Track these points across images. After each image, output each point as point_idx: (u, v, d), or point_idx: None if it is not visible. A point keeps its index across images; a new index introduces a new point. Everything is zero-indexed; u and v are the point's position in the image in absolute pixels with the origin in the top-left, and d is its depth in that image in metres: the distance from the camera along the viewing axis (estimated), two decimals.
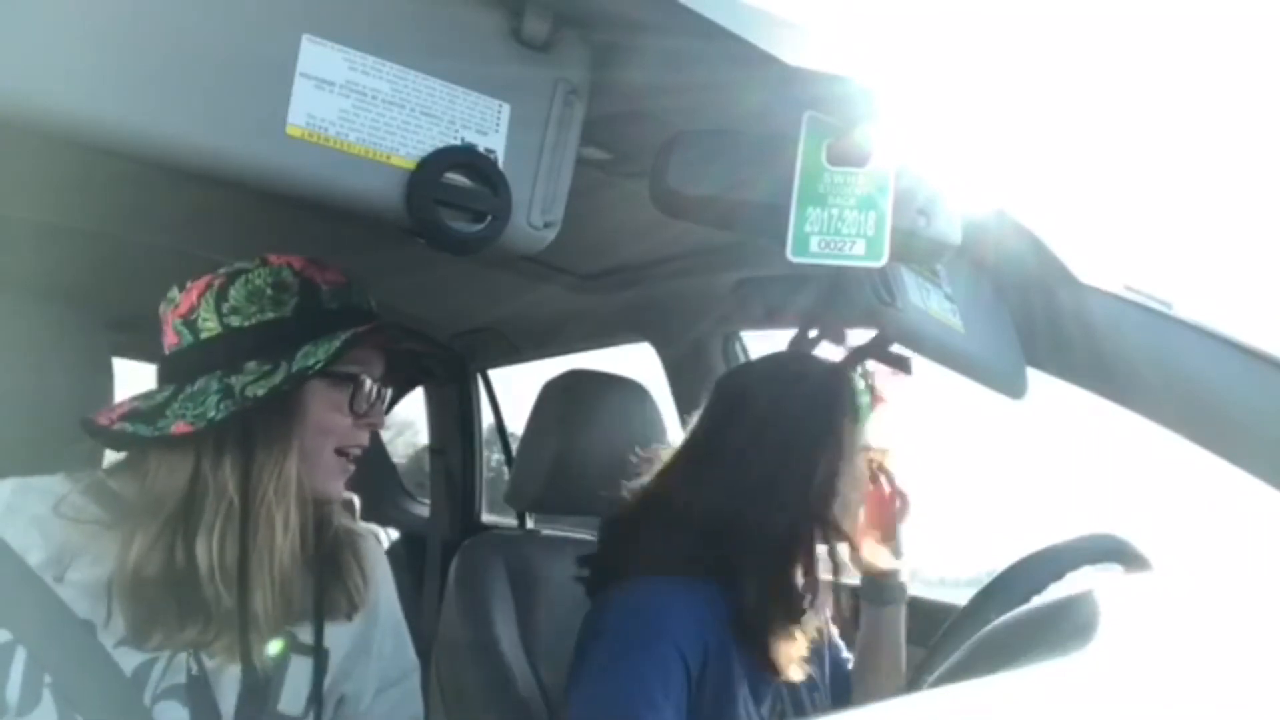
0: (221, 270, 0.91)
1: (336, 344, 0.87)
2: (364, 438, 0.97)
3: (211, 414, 0.84)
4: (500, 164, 0.72)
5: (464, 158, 0.70)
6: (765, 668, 1.07)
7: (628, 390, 1.54)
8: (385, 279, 1.90)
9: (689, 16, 0.69)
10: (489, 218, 0.71)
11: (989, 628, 0.62)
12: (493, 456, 2.57)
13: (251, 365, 0.87)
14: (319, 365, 0.85)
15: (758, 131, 0.80)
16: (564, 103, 0.74)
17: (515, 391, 2.45)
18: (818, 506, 1.09)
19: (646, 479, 1.22)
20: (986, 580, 1.05)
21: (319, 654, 0.94)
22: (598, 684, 1.02)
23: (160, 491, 0.86)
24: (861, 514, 1.19)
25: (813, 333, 1.26)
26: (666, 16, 0.70)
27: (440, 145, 0.69)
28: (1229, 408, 0.95)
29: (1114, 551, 1.01)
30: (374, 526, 2.44)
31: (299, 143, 0.64)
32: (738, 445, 1.12)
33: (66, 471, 0.89)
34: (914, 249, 0.84)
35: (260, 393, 0.85)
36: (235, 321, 0.89)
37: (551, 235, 0.75)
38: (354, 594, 0.97)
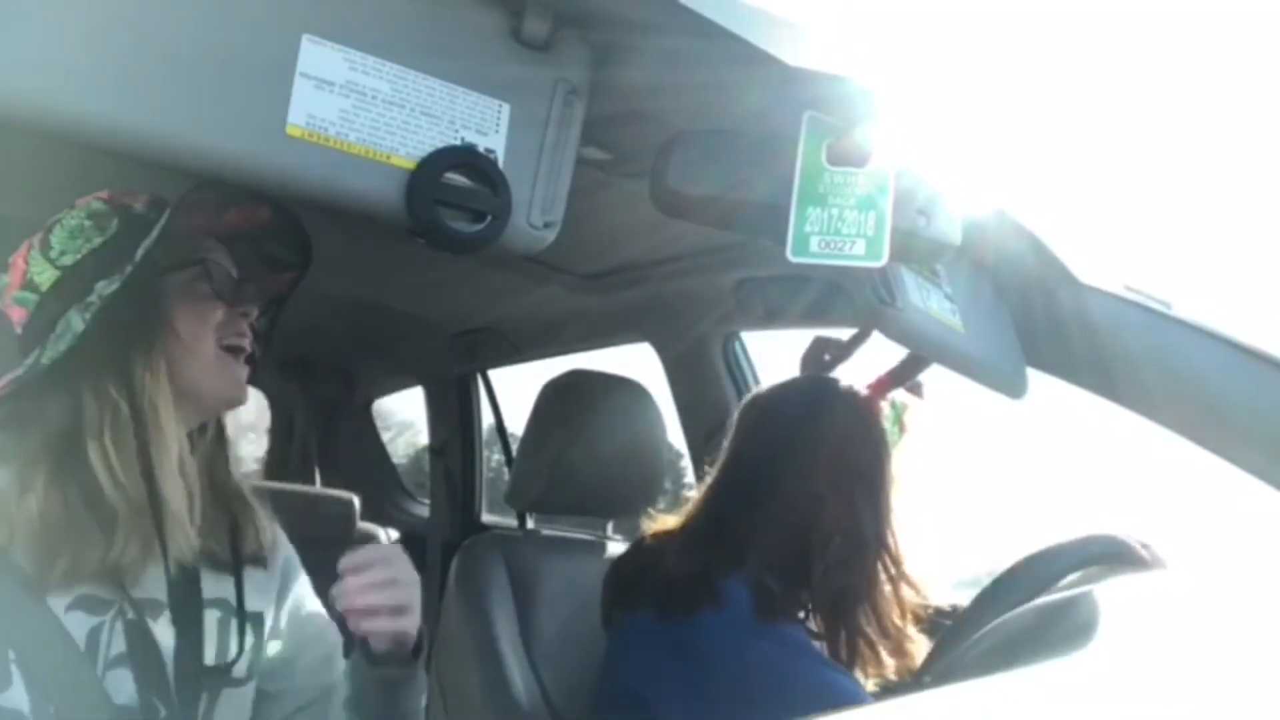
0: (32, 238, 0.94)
1: (164, 219, 0.87)
2: (243, 325, 0.97)
3: (79, 327, 0.85)
4: (500, 164, 0.72)
5: (464, 158, 0.70)
6: None
7: (628, 390, 1.54)
8: (385, 279, 1.90)
9: (689, 16, 0.69)
10: (489, 218, 0.71)
11: (989, 628, 0.62)
12: (493, 456, 2.57)
13: (100, 284, 0.88)
14: (153, 239, 0.85)
15: (758, 131, 0.80)
16: (564, 103, 0.74)
17: (515, 391, 2.45)
18: (891, 545, 1.11)
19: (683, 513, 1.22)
20: (987, 580, 1.05)
21: (240, 593, 0.96)
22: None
23: (50, 429, 0.88)
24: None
25: (826, 356, 1.25)
26: (666, 16, 0.70)
27: (440, 145, 0.69)
28: (1229, 408, 0.95)
29: (1114, 553, 1.01)
30: (374, 527, 2.45)
31: (299, 143, 0.64)
32: (784, 483, 1.13)
33: None
34: (914, 249, 0.84)
35: (113, 288, 0.85)
36: (68, 260, 0.90)
37: (551, 235, 0.75)
38: (260, 534, 1.00)
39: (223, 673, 0.93)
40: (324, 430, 2.85)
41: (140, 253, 0.86)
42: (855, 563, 1.11)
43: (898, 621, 1.11)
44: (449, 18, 0.70)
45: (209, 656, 0.92)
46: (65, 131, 0.60)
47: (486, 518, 2.49)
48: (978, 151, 0.88)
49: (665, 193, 0.80)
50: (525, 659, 1.38)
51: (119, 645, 0.87)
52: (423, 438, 2.80)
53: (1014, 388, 1.08)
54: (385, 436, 2.99)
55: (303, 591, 1.05)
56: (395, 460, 2.98)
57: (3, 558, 0.84)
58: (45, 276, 0.90)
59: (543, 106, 0.73)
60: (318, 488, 2.66)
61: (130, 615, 0.88)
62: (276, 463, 2.92)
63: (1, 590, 0.84)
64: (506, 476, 2.42)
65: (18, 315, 0.92)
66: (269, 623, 1.00)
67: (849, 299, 1.12)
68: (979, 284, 1.07)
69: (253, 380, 1.01)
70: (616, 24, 0.73)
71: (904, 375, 1.20)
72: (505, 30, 0.71)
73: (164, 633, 0.90)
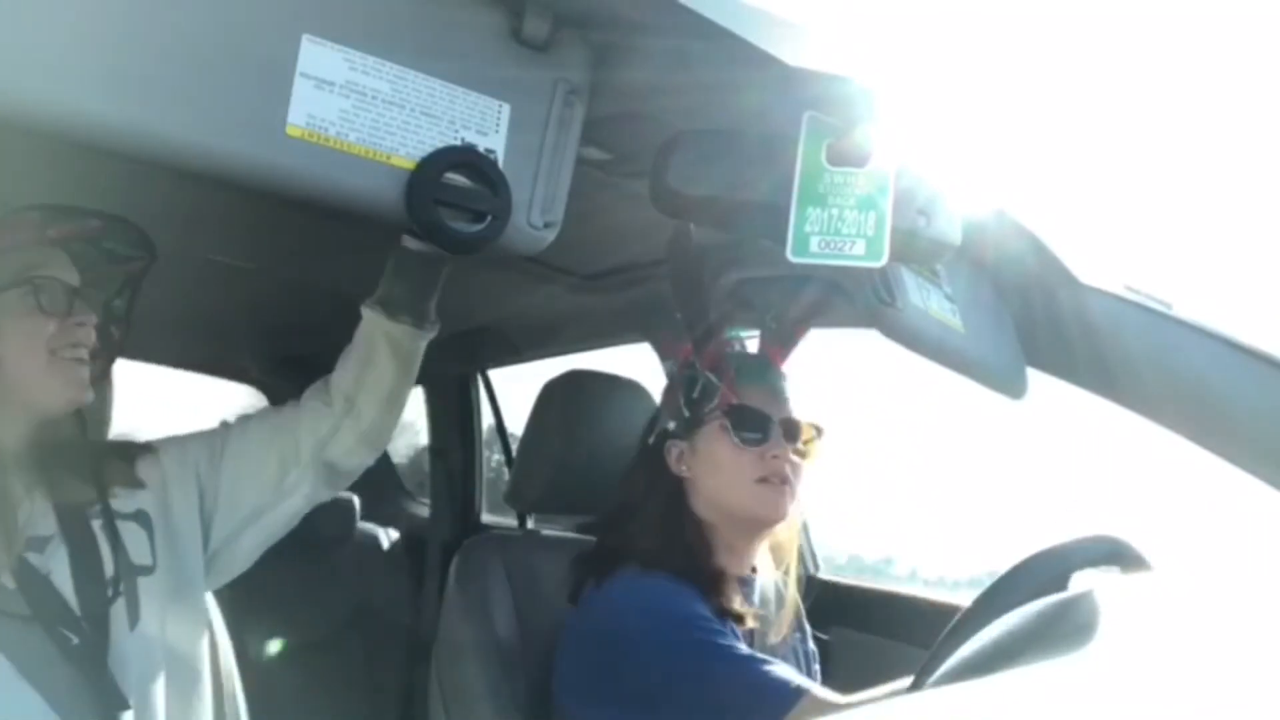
0: None
1: None
2: (79, 335, 1.00)
3: None
4: (500, 164, 0.72)
5: (464, 158, 0.70)
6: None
7: (628, 390, 1.54)
8: None
9: (689, 16, 0.69)
10: (489, 218, 0.71)
11: (989, 628, 0.62)
12: (493, 456, 2.57)
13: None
14: None
15: (758, 131, 0.80)
16: (564, 103, 0.74)
17: (515, 391, 2.45)
18: (689, 524, 1.19)
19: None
20: (986, 580, 1.05)
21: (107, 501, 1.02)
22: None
23: None
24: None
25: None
26: (666, 16, 0.70)
27: (440, 145, 0.69)
28: (1229, 408, 0.95)
29: (1114, 553, 1.01)
30: (374, 526, 2.45)
31: (299, 143, 0.64)
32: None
33: None
34: (914, 249, 0.84)
35: None
36: None
37: (551, 235, 0.75)
38: (111, 474, 1.05)
39: (128, 566, 0.99)
40: None
41: None
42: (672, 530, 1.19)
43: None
44: (449, 18, 0.70)
45: (107, 557, 0.98)
46: (65, 131, 0.60)
47: (486, 518, 2.49)
48: (978, 151, 0.88)
49: (665, 193, 0.80)
50: (525, 659, 1.38)
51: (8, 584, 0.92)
52: (423, 438, 2.79)
53: (1014, 388, 1.08)
54: None
55: (202, 444, 1.11)
56: (395, 460, 2.98)
57: None
58: None
59: (543, 106, 0.73)
60: None
61: (13, 562, 0.93)
62: None
63: None
64: (506, 476, 2.42)
65: None
66: (154, 514, 1.05)
67: (849, 299, 1.12)
68: (979, 284, 1.07)
69: (105, 372, 1.09)
70: (616, 24, 0.74)
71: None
72: (505, 30, 0.71)
73: (58, 564, 0.96)
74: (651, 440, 1.25)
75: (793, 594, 1.24)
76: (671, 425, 1.21)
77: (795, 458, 1.17)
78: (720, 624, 1.09)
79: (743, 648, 1.07)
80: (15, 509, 0.96)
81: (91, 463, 1.05)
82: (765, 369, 1.22)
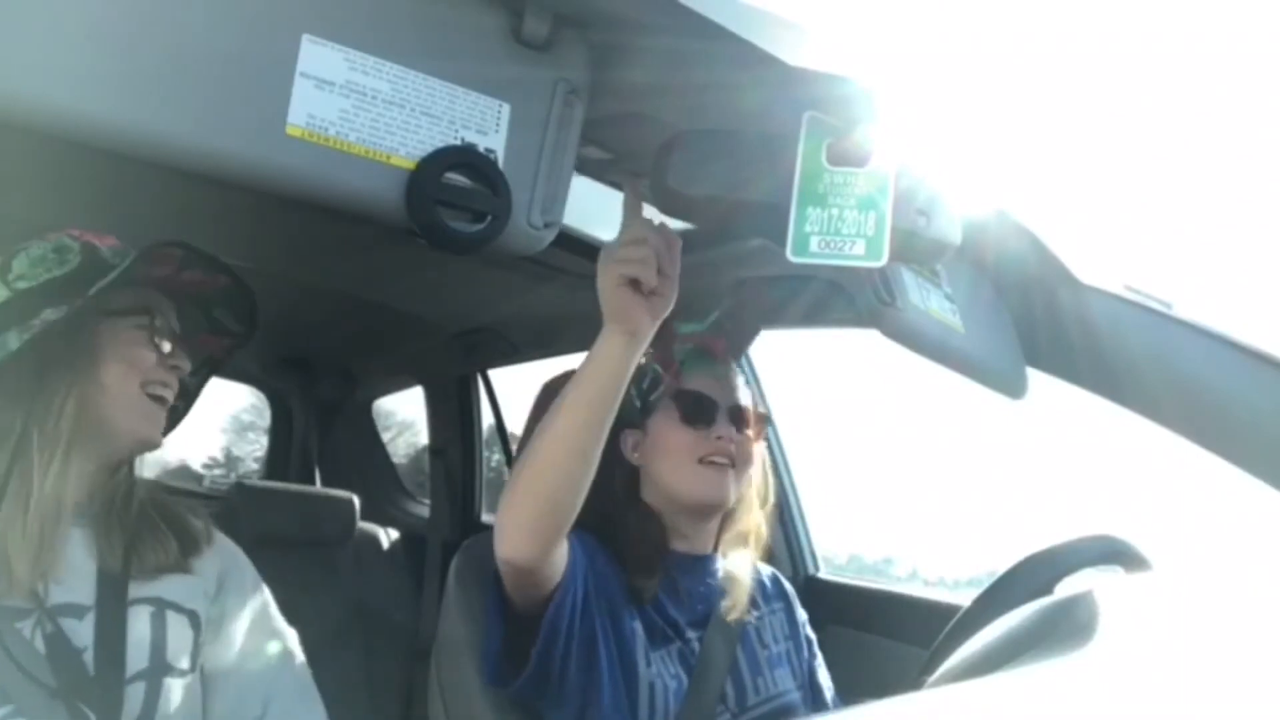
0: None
1: (125, 263, 0.93)
2: (170, 378, 1.00)
3: (13, 345, 0.89)
4: (500, 164, 0.72)
5: (464, 158, 0.70)
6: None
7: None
8: (385, 279, 1.90)
9: (689, 16, 0.69)
10: (489, 218, 0.71)
11: (989, 628, 0.62)
12: (493, 456, 2.57)
13: (48, 312, 0.92)
14: (110, 280, 0.91)
15: (758, 131, 0.80)
16: (564, 103, 0.74)
17: (515, 391, 2.45)
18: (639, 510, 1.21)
19: None
20: (986, 580, 1.05)
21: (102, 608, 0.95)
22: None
23: None
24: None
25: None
26: (666, 16, 0.70)
27: (440, 145, 0.69)
28: (1229, 408, 0.95)
29: (1114, 553, 1.01)
30: (374, 526, 2.45)
31: (299, 143, 0.64)
32: None
33: None
34: (914, 249, 0.84)
35: (54, 317, 0.90)
36: (23, 285, 0.94)
37: (551, 235, 0.75)
38: (162, 553, 1.00)
39: (162, 664, 0.95)
40: (324, 430, 2.85)
41: (94, 290, 0.91)
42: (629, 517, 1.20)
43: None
44: (449, 18, 0.70)
45: (144, 649, 0.94)
46: (65, 131, 0.60)
47: (486, 518, 2.49)
48: (978, 151, 0.88)
49: (665, 193, 0.80)
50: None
51: (40, 649, 0.89)
52: (423, 438, 2.79)
53: (1014, 388, 1.08)
54: (385, 436, 2.99)
55: (239, 608, 1.06)
56: (395, 460, 2.98)
57: None
58: None
59: (543, 106, 0.73)
60: (318, 488, 2.66)
61: (49, 628, 0.90)
62: (276, 463, 2.92)
63: None
64: (506, 476, 2.42)
65: None
66: (204, 619, 1.01)
67: (849, 299, 1.12)
68: (979, 284, 1.07)
69: (169, 428, 1.06)
70: (616, 24, 0.73)
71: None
72: (505, 30, 0.71)
73: (86, 632, 0.92)
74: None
75: (744, 575, 1.25)
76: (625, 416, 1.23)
77: (741, 441, 1.21)
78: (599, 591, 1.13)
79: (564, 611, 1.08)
80: (59, 564, 0.92)
81: (143, 526, 1.01)
82: (711, 358, 1.26)
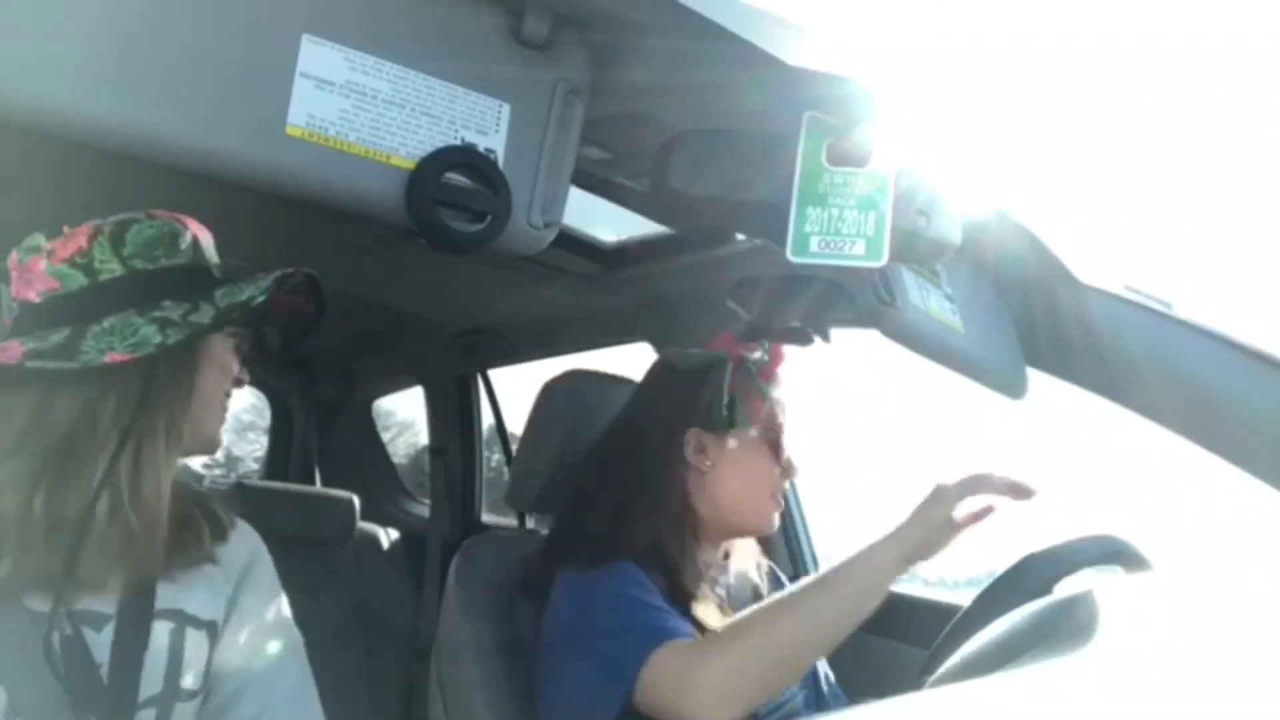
0: (103, 220, 0.92)
1: (267, 283, 0.91)
2: (233, 389, 1.01)
3: (156, 339, 0.85)
4: (500, 164, 0.71)
5: (464, 158, 0.70)
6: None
7: (628, 390, 1.54)
8: (385, 279, 1.90)
9: (689, 16, 0.69)
10: (489, 218, 0.71)
11: (989, 628, 0.62)
12: (493, 456, 2.57)
13: (169, 304, 0.88)
14: (248, 300, 0.89)
15: (758, 131, 0.80)
16: (564, 103, 0.74)
17: (515, 391, 2.45)
18: (676, 511, 1.18)
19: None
20: (986, 580, 1.05)
21: (127, 615, 0.89)
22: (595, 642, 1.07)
23: (42, 424, 0.85)
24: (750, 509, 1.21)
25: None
26: (666, 16, 0.70)
27: (440, 145, 0.69)
28: (1229, 408, 0.95)
29: (1114, 553, 1.02)
30: (374, 526, 2.45)
31: (299, 143, 0.64)
32: (601, 455, 1.24)
33: None
34: (914, 249, 0.84)
35: (206, 321, 0.87)
36: (140, 265, 0.90)
37: (552, 235, 0.75)
38: (197, 543, 0.96)
39: (174, 689, 0.90)
40: (324, 430, 2.85)
41: (244, 296, 0.90)
42: (657, 515, 1.17)
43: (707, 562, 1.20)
44: (449, 18, 0.70)
45: (159, 671, 0.89)
46: (65, 131, 0.60)
47: (486, 518, 2.49)
48: (978, 151, 0.88)
49: (665, 193, 0.79)
50: (525, 659, 1.38)
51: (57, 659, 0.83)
52: (423, 438, 2.79)
53: (1014, 388, 1.08)
54: (385, 436, 2.99)
55: (253, 608, 1.01)
56: (395, 460, 2.98)
57: None
58: (110, 268, 0.89)
59: (543, 106, 0.73)
60: (318, 488, 2.66)
61: (68, 631, 0.84)
62: (276, 463, 2.93)
63: None
64: (506, 476, 2.42)
65: (46, 285, 0.89)
66: (221, 625, 0.97)
67: (849, 299, 1.12)
68: (979, 284, 1.07)
69: None
70: (616, 24, 0.73)
71: (756, 333, 1.23)
72: (505, 30, 0.71)
73: (105, 645, 0.87)
74: (659, 424, 1.23)
75: (754, 577, 1.30)
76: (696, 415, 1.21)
77: None
78: (659, 598, 1.11)
79: (655, 606, 1.08)
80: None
81: (182, 516, 0.96)
82: (777, 388, 1.25)
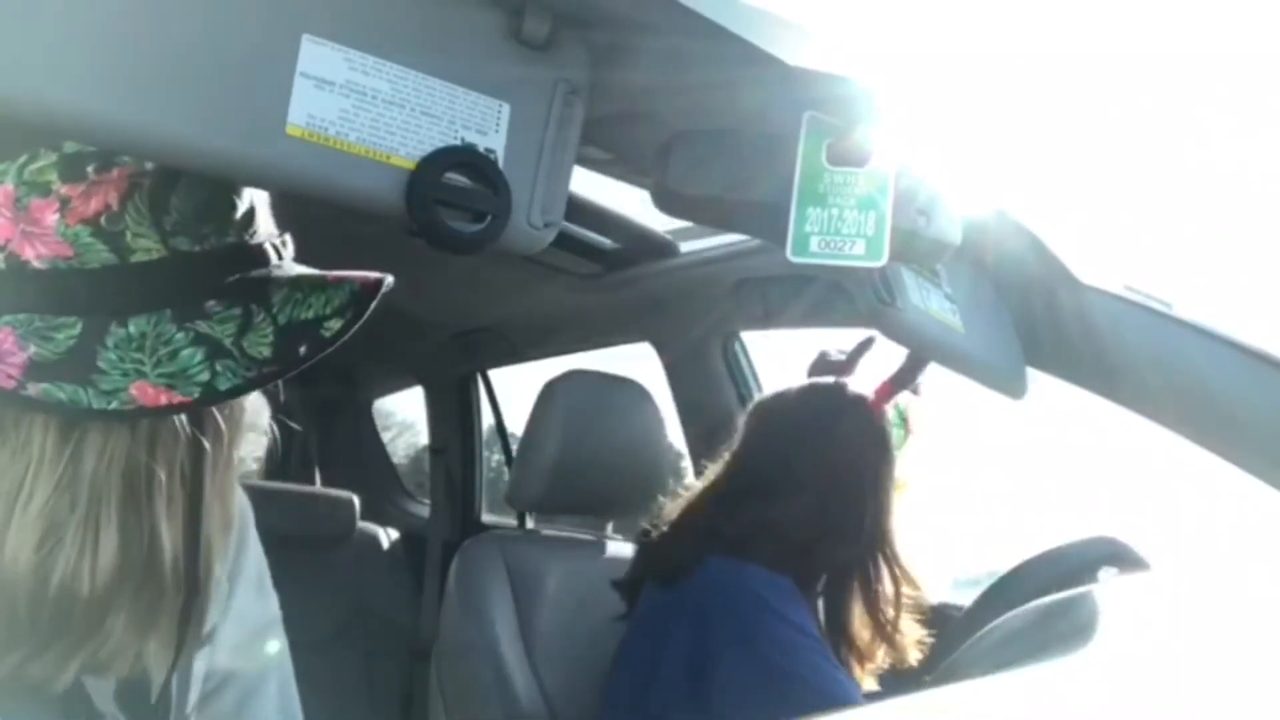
0: (137, 163, 0.64)
1: (342, 298, 0.70)
2: None
3: (202, 376, 0.62)
4: (500, 164, 0.71)
5: (464, 158, 0.70)
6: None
7: (628, 390, 1.54)
8: None
9: (689, 16, 0.69)
10: (489, 218, 0.71)
11: (989, 628, 0.62)
12: (493, 456, 2.57)
13: (214, 306, 0.65)
14: (333, 325, 0.68)
15: (758, 131, 0.80)
16: (564, 103, 0.74)
17: (515, 391, 2.45)
18: (878, 543, 1.16)
19: (683, 501, 1.27)
20: (987, 581, 1.05)
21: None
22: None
23: (89, 472, 0.60)
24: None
25: (833, 354, 1.28)
26: (666, 16, 0.70)
27: (440, 145, 0.69)
28: (1229, 408, 0.95)
29: (1114, 554, 1.02)
30: (374, 526, 2.45)
31: (299, 143, 0.64)
32: (791, 484, 1.18)
33: None
34: (914, 249, 0.84)
35: (266, 353, 0.64)
36: (183, 244, 0.64)
37: (552, 235, 0.75)
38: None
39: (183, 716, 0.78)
40: (324, 430, 2.86)
41: (309, 313, 0.69)
42: (854, 563, 1.14)
43: (892, 617, 1.15)
44: (449, 18, 0.70)
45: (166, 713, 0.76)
46: (65, 131, 0.60)
47: (486, 518, 2.49)
48: (978, 151, 0.88)
49: (665, 193, 0.80)
50: (525, 659, 1.38)
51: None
52: (423, 438, 2.80)
53: (1014, 388, 1.08)
54: (385, 436, 2.99)
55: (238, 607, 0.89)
56: (395, 460, 2.98)
57: None
58: (145, 245, 0.63)
59: (543, 106, 0.73)
60: (318, 488, 2.66)
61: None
62: (276, 463, 2.93)
63: None
64: (506, 476, 2.42)
65: (50, 249, 0.61)
66: (217, 629, 0.82)
67: (849, 299, 1.12)
68: (979, 284, 1.07)
69: None
70: (616, 24, 0.73)
71: (905, 379, 1.22)
72: (505, 30, 0.71)
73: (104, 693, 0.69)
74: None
75: None
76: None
77: None
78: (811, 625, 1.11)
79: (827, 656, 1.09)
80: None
81: None
82: None
